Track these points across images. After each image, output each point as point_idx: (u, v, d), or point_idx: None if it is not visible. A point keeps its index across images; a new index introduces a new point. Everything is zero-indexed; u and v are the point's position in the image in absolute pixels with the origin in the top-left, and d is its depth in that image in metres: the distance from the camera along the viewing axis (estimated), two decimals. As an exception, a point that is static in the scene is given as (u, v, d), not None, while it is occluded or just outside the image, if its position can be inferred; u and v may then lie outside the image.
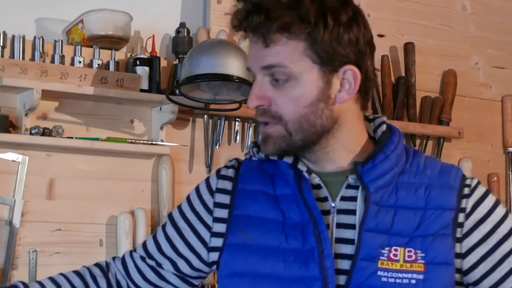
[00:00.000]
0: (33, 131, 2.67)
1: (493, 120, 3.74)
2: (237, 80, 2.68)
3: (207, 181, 2.03)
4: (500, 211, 1.95)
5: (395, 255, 1.86)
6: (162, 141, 2.91)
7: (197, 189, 2.05)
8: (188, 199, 2.05)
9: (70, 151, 2.80)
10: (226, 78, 2.69)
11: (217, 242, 1.94)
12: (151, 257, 2.03)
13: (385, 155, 1.90)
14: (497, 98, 3.76)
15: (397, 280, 1.85)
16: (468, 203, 1.93)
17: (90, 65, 2.80)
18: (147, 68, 2.84)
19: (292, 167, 1.90)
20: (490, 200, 1.95)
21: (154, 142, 2.89)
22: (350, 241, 1.85)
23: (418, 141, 3.49)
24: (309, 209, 1.86)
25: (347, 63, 1.84)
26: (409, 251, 1.87)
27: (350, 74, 1.84)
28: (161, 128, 2.92)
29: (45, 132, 2.70)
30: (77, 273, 2.07)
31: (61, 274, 2.07)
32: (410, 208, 1.90)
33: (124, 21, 2.85)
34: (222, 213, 1.95)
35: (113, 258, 2.11)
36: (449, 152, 3.57)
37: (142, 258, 2.05)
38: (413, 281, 1.85)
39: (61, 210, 2.77)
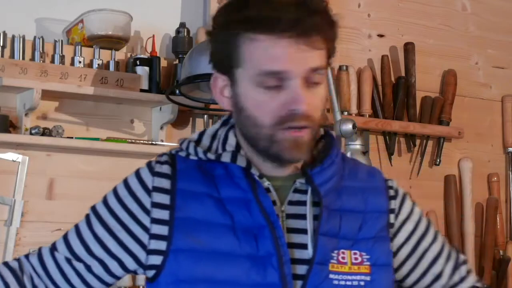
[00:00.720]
0: (33, 131, 2.68)
1: (493, 120, 3.75)
2: (237, 80, 2.69)
3: (139, 177, 1.93)
4: (418, 210, 2.08)
5: (343, 258, 1.89)
6: (162, 141, 2.92)
7: (127, 186, 1.94)
8: (117, 195, 1.94)
9: (70, 151, 2.81)
10: (226, 78, 2.69)
11: (159, 245, 1.87)
12: (78, 259, 1.93)
13: (331, 160, 1.92)
14: (497, 98, 3.77)
15: (347, 283, 1.88)
16: (396, 204, 2.01)
17: (90, 65, 2.81)
18: (147, 68, 2.85)
19: (244, 170, 1.89)
20: (409, 200, 2.07)
21: (154, 142, 2.89)
22: (304, 246, 1.86)
23: (418, 141, 3.50)
24: (265, 213, 1.84)
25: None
26: (354, 254, 1.90)
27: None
28: (161, 128, 2.93)
29: (45, 132, 2.70)
30: None
31: None
32: (353, 211, 1.94)
33: (124, 21, 2.86)
34: (162, 214, 1.88)
35: (27, 257, 1.98)
36: (449, 152, 3.58)
37: (68, 260, 1.94)
38: (362, 283, 1.89)
39: (61, 210, 2.78)
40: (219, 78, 1.88)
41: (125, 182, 1.93)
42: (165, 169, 1.90)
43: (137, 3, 3.00)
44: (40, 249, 1.97)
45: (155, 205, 1.87)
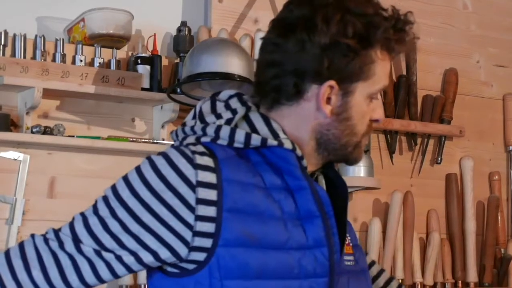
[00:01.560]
0: (34, 130, 2.69)
1: (495, 118, 3.77)
2: (238, 79, 2.71)
3: (178, 170, 1.83)
4: None
5: (347, 242, 1.97)
6: (164, 139, 2.92)
7: (161, 177, 1.82)
8: (151, 188, 1.82)
9: (71, 149, 2.82)
10: (227, 77, 2.72)
11: (204, 242, 1.81)
12: (108, 250, 1.83)
13: None
14: (498, 96, 3.79)
15: (347, 263, 1.93)
16: None
17: (91, 63, 2.81)
18: (148, 67, 2.86)
19: (298, 158, 1.88)
20: None
21: (155, 141, 2.91)
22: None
23: (419, 140, 3.52)
24: (320, 203, 1.86)
25: None
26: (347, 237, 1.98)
27: None
28: (162, 126, 2.94)
29: (46, 131, 2.71)
30: None
31: None
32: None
33: (125, 20, 2.86)
34: (208, 210, 1.81)
35: (46, 242, 1.82)
36: (451, 150, 3.59)
37: (96, 252, 1.82)
38: (352, 263, 1.96)
39: (62, 208, 2.77)
40: (333, 87, 1.86)
41: (158, 172, 1.83)
42: (207, 160, 1.83)
43: (138, 2, 3.01)
44: (58, 236, 1.82)
45: (201, 201, 1.80)
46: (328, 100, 1.86)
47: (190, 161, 1.81)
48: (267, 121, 1.90)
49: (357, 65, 1.87)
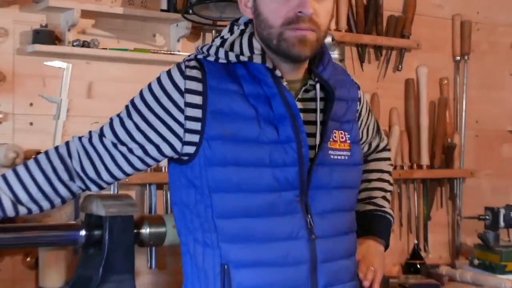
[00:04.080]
0: (74, 43, 2.70)
1: (445, 34, 3.76)
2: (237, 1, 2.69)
3: (172, 79, 1.93)
4: (366, 101, 2.20)
5: (335, 137, 1.95)
6: (179, 51, 2.93)
7: (161, 86, 1.94)
8: (153, 93, 1.94)
9: (104, 59, 2.83)
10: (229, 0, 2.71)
11: (193, 137, 1.88)
12: (122, 143, 1.94)
13: (327, 60, 1.98)
14: (448, 17, 3.76)
15: (337, 157, 1.95)
16: (361, 94, 2.12)
17: None
18: None
19: (270, 71, 1.89)
20: (362, 92, 2.17)
21: (172, 52, 2.91)
22: (313, 135, 1.91)
23: (384, 52, 3.52)
24: (288, 106, 1.86)
25: None
26: (341, 134, 1.97)
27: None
28: (178, 40, 2.93)
29: (84, 44, 2.72)
30: (36, 162, 1.97)
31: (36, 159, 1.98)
32: (342, 99, 1.99)
33: None
34: (195, 112, 1.89)
35: (80, 139, 1.98)
36: (409, 60, 3.61)
37: (114, 144, 1.95)
38: (346, 157, 1.97)
39: (98, 107, 2.81)
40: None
41: (160, 83, 1.92)
42: (195, 73, 1.89)
43: None
44: (90, 134, 1.95)
45: (188, 104, 1.87)
46: (246, 4, 1.92)
47: (182, 73, 1.89)
48: (250, 41, 1.92)
49: None
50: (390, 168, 2.34)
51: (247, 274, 1.86)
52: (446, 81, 3.71)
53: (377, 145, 2.30)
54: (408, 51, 3.58)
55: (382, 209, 2.21)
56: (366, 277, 2.04)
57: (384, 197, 2.25)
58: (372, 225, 2.17)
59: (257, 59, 1.87)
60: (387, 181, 2.29)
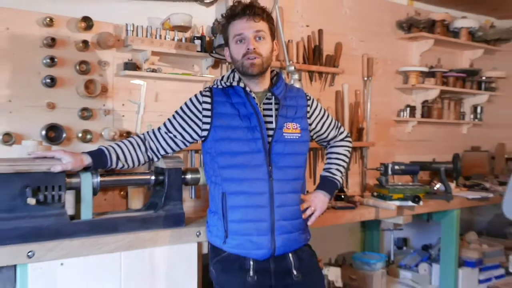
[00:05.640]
0: (147, 70, 2.70)
1: (358, 65, 3.66)
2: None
3: (196, 98, 1.98)
4: (319, 104, 2.12)
5: (288, 126, 1.95)
6: (207, 75, 2.90)
7: (191, 101, 1.97)
8: (187, 105, 2.00)
9: (165, 79, 2.81)
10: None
11: (206, 127, 1.94)
12: (170, 132, 2.00)
13: (280, 83, 1.97)
14: (360, 55, 3.66)
15: (290, 137, 1.95)
16: (310, 102, 2.06)
17: (173, 39, 2.77)
18: (199, 41, 2.84)
19: (243, 89, 1.92)
20: (316, 101, 2.10)
21: (203, 75, 2.89)
22: (271, 122, 1.93)
23: (323, 75, 3.44)
24: (254, 108, 1.90)
25: (274, 38, 1.95)
26: (293, 124, 1.97)
27: (275, 43, 1.95)
28: (206, 68, 2.93)
29: (153, 70, 2.72)
30: (128, 141, 2.01)
31: (120, 141, 2.01)
32: (292, 106, 1.99)
33: (188, 18, 2.83)
34: (207, 113, 1.93)
35: (147, 132, 2.04)
36: (338, 80, 3.49)
37: (165, 132, 2.01)
38: (297, 137, 1.96)
39: (160, 106, 2.79)
40: (226, 49, 1.96)
41: (190, 100, 1.99)
42: (208, 94, 1.96)
43: (195, 10, 2.95)
44: (152, 129, 2.03)
45: (204, 110, 1.94)
46: (227, 55, 1.97)
47: (201, 95, 1.97)
48: (233, 74, 1.96)
49: (224, 36, 1.96)
50: (345, 151, 2.19)
51: (235, 199, 1.89)
52: (359, 92, 3.64)
53: (335, 136, 2.19)
54: (337, 74, 3.50)
55: (333, 176, 2.13)
56: (305, 213, 2.00)
57: (337, 169, 2.14)
58: (324, 184, 2.12)
59: (235, 83, 1.93)
60: (341, 160, 2.17)
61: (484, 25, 4.35)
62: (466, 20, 4.11)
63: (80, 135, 2.55)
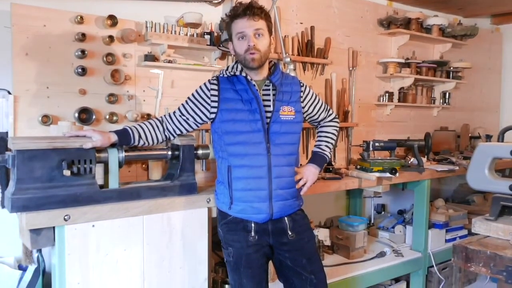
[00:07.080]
0: (164, 61, 2.68)
1: (344, 57, 3.61)
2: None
3: (205, 86, 1.96)
4: (312, 91, 2.09)
5: (284, 109, 1.93)
6: (216, 65, 2.88)
7: (201, 88, 1.98)
8: (197, 92, 1.97)
9: (179, 69, 2.78)
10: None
11: (214, 110, 1.92)
12: (184, 115, 1.99)
13: (277, 72, 1.95)
14: (346, 48, 3.61)
15: (286, 118, 1.92)
16: (303, 88, 2.03)
17: (186, 34, 2.73)
18: (209, 36, 2.81)
19: (245, 77, 1.90)
20: (308, 87, 2.08)
21: (212, 65, 2.86)
22: (269, 106, 1.91)
23: (315, 65, 3.42)
24: (254, 94, 1.89)
25: (271, 34, 1.91)
26: (288, 107, 1.94)
27: (272, 38, 1.92)
28: (215, 59, 2.89)
29: (169, 61, 2.70)
30: (148, 122, 2.01)
31: (141, 123, 1.99)
32: (287, 91, 1.99)
33: (199, 16, 2.80)
34: (215, 99, 1.92)
35: (164, 115, 2.03)
36: (327, 69, 3.48)
37: (180, 115, 2.00)
38: (292, 118, 1.94)
39: (176, 92, 2.77)
40: (230, 44, 1.93)
41: (200, 87, 1.96)
42: (215, 82, 1.93)
43: (205, 9, 2.92)
44: (169, 113, 2.02)
45: (212, 96, 1.92)
46: (231, 49, 1.93)
47: (209, 83, 1.95)
48: (237, 65, 1.93)
49: (228, 32, 1.91)
50: (333, 130, 2.18)
51: (239, 171, 1.89)
52: (345, 80, 3.58)
53: (325, 117, 2.19)
54: (327, 65, 3.44)
55: (323, 151, 2.13)
56: (299, 183, 2.00)
57: (326, 146, 2.14)
58: (315, 158, 2.12)
59: (239, 73, 1.91)
60: (330, 138, 2.16)
61: (453, 23, 4.36)
62: (437, 18, 4.08)
63: (107, 117, 2.55)
